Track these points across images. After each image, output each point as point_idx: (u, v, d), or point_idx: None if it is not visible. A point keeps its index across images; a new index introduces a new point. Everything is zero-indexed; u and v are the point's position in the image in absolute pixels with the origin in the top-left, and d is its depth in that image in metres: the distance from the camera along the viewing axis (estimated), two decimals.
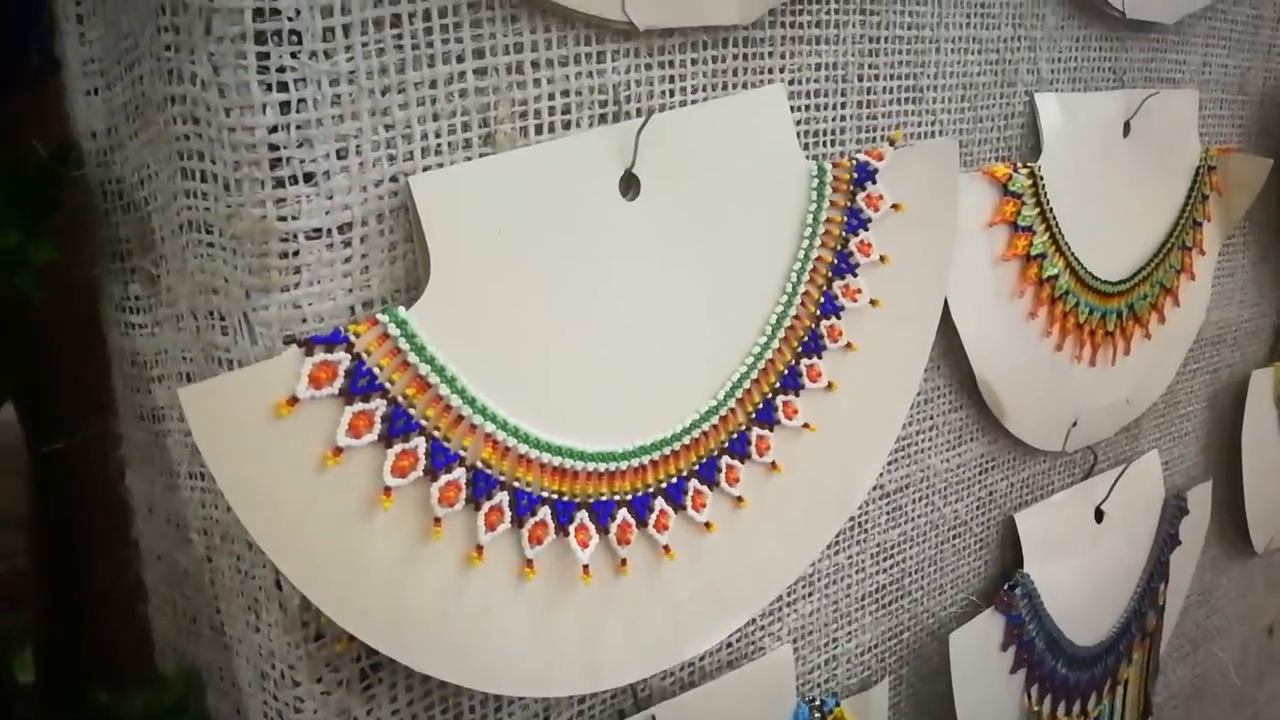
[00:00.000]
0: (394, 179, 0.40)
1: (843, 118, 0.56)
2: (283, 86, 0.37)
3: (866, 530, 0.64)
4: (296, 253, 0.38)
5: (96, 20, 0.44)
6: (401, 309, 0.39)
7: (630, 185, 0.46)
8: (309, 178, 0.38)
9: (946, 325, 0.62)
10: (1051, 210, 0.66)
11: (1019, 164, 0.65)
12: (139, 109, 0.42)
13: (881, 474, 0.62)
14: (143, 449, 0.51)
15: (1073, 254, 0.69)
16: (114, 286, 0.48)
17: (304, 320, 0.39)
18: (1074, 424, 0.74)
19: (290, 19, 0.36)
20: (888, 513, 0.65)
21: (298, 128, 0.37)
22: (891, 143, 0.56)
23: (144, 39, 0.40)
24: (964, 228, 0.61)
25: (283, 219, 0.38)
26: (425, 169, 0.41)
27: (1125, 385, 0.77)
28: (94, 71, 0.45)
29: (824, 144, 0.55)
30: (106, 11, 0.43)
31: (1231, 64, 0.82)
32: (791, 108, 0.53)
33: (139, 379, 0.49)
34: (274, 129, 0.37)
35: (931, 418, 0.66)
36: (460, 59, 0.41)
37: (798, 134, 0.53)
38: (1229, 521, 0.97)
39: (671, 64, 0.48)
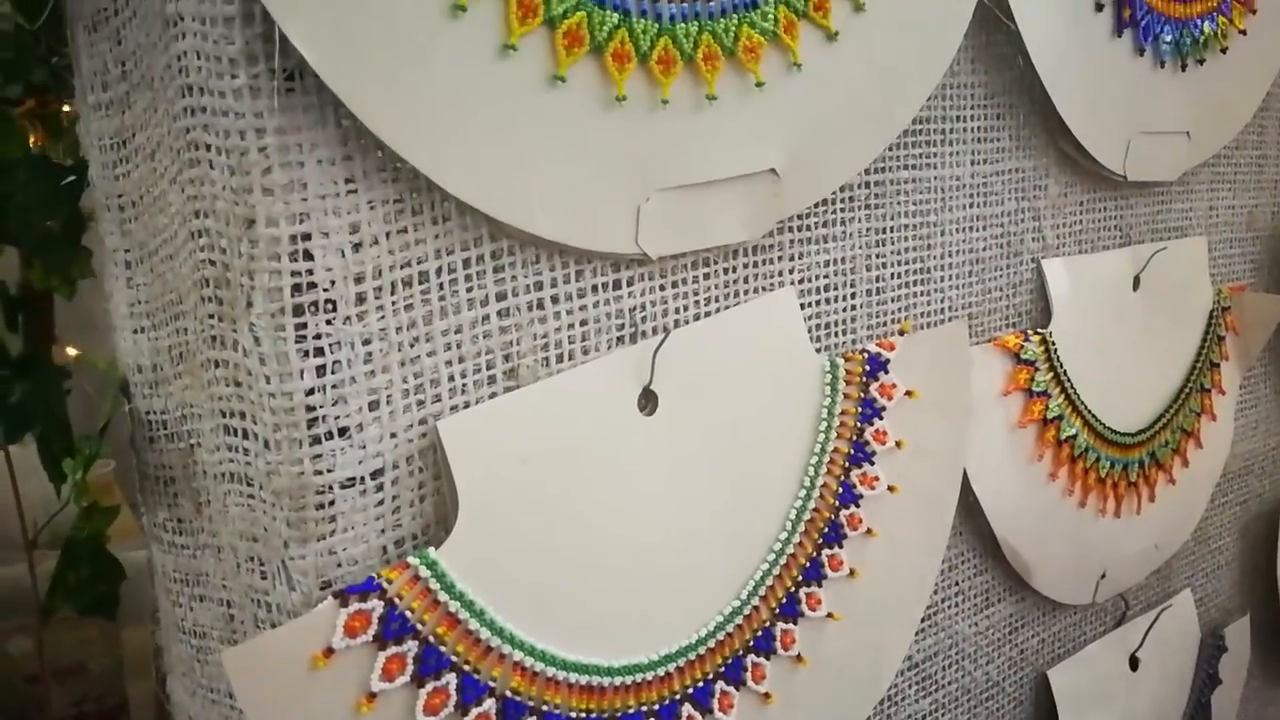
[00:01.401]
0: (423, 421, 0.42)
1: (853, 308, 0.58)
2: (319, 352, 0.39)
3: (897, 704, 0.64)
4: (332, 503, 0.40)
5: (144, 269, 0.47)
6: (432, 550, 0.41)
7: (649, 400, 0.48)
8: (343, 432, 0.40)
9: (966, 492, 0.63)
10: (1065, 372, 0.68)
11: (1030, 331, 0.66)
12: (183, 356, 0.45)
13: (909, 646, 0.63)
14: (184, 661, 0.52)
15: (1090, 412, 0.70)
16: (158, 508, 0.51)
17: (339, 565, 0.41)
18: (1102, 576, 0.74)
19: (325, 289, 0.39)
20: (918, 683, 0.65)
21: (333, 387, 0.40)
22: (902, 332, 0.57)
23: (188, 303, 0.42)
24: (979, 399, 0.63)
25: (319, 473, 0.40)
26: (452, 408, 0.43)
27: (1153, 532, 0.77)
28: (140, 314, 0.48)
29: (835, 335, 0.57)
30: (153, 264, 0.46)
31: (1238, 204, 0.84)
32: (802, 304, 0.55)
33: (180, 594, 0.51)
34: (311, 391, 0.39)
35: (957, 584, 0.67)
36: (484, 303, 0.44)
37: (809, 327, 0.55)
38: (1272, 650, 0.96)
39: (684, 281, 0.50)
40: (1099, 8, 0.63)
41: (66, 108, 0.76)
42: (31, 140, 0.75)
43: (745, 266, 0.52)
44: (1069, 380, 0.68)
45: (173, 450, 0.48)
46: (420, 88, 0.38)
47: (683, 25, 0.44)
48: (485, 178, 0.41)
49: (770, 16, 0.46)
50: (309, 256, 0.38)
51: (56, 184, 0.48)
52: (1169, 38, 0.67)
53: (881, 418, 0.55)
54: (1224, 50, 0.71)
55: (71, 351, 1.03)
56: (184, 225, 0.41)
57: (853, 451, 0.55)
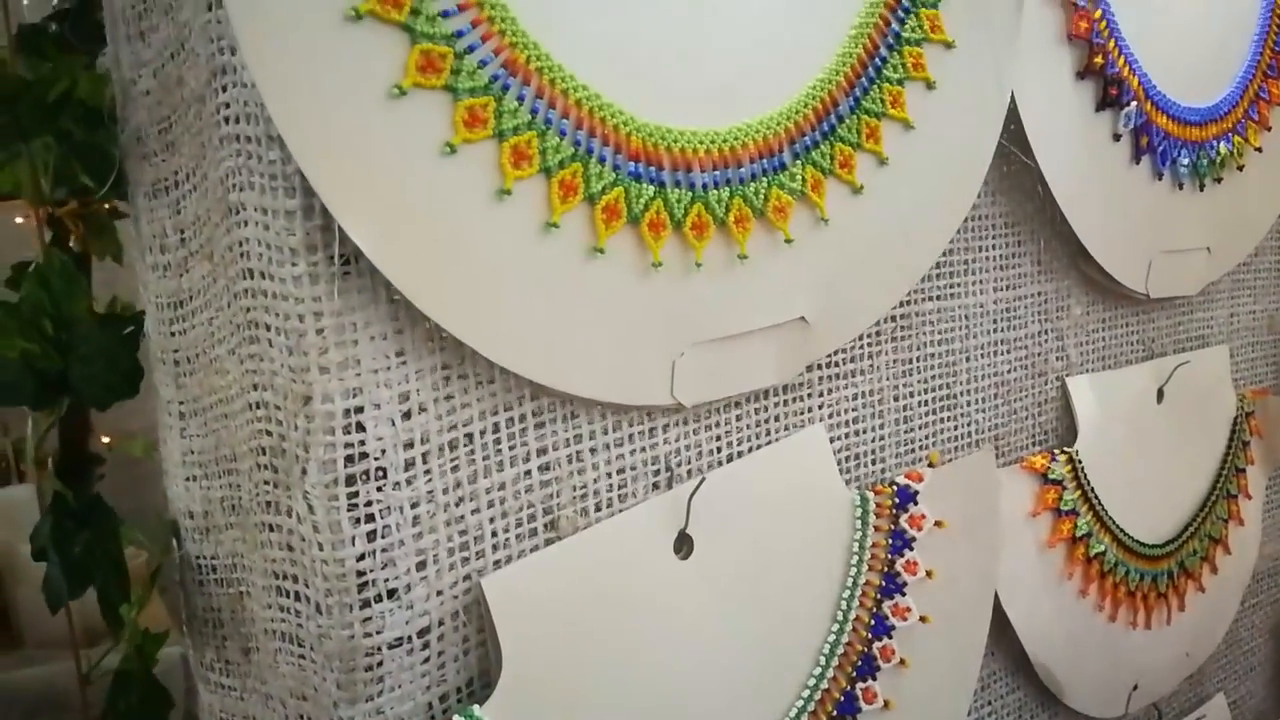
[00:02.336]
0: (467, 578, 0.44)
1: (881, 438, 0.59)
2: (369, 518, 0.41)
3: None
4: (380, 663, 0.41)
5: (198, 421, 0.49)
6: (476, 707, 0.42)
7: (684, 543, 0.49)
8: (392, 594, 0.41)
9: (997, 612, 0.63)
10: (1093, 489, 0.68)
11: (1056, 450, 0.67)
12: (234, 508, 0.47)
13: None
14: None
15: (1118, 526, 0.70)
16: (205, 648, 0.52)
17: None
18: (1135, 687, 0.74)
19: (376, 458, 0.41)
20: None
21: (383, 551, 0.41)
22: (930, 464, 0.58)
23: (242, 464, 0.44)
24: (1008, 520, 0.63)
25: (369, 635, 0.41)
26: (495, 563, 0.44)
27: (1184, 640, 0.77)
28: (193, 463, 0.50)
29: (865, 465, 0.58)
30: (207, 419, 0.47)
31: (1259, 309, 0.85)
32: (832, 437, 0.56)
33: None
34: (362, 556, 0.41)
35: (990, 702, 0.67)
36: (526, 459, 0.45)
37: (839, 459, 0.56)
38: None
39: (718, 424, 0.51)
40: (1116, 138, 0.65)
41: (107, 205, 0.79)
42: (71, 240, 0.78)
43: (776, 405, 0.54)
44: (1096, 497, 0.69)
45: (223, 595, 0.50)
46: (466, 267, 0.40)
47: (715, 192, 0.46)
48: (527, 346, 0.42)
49: (798, 177, 0.48)
50: (361, 428, 0.40)
51: (118, 337, 0.50)
52: (1186, 160, 0.69)
53: (912, 549, 0.56)
54: (1240, 168, 0.73)
55: (105, 439, 1.06)
56: (242, 395, 0.43)
57: (884, 583, 0.55)
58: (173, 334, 0.49)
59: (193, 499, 0.50)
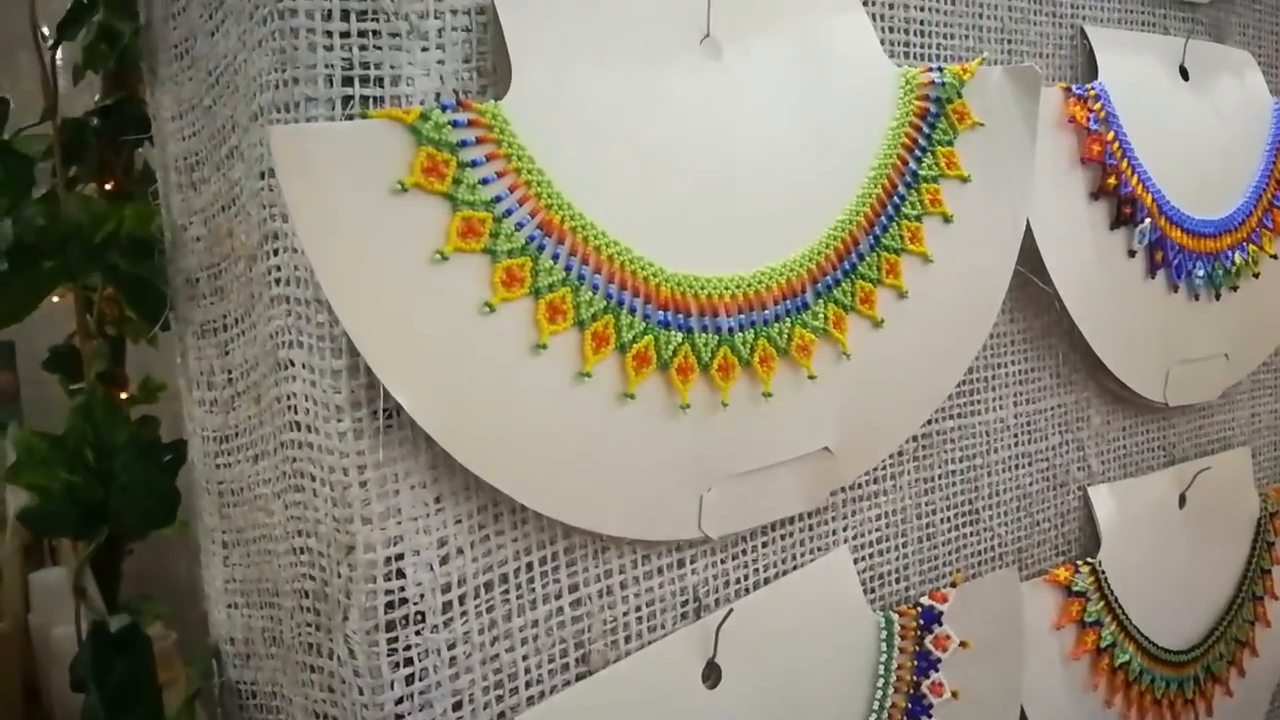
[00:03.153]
0: (501, 715, 0.45)
1: (905, 556, 0.60)
2: (408, 661, 0.42)
3: None
4: None
5: (240, 551, 0.50)
6: None
7: (712, 672, 0.50)
8: None
9: None
10: (1116, 599, 0.69)
11: (1080, 562, 0.68)
12: (275, 640, 0.48)
13: None
14: None
15: (1143, 635, 0.70)
16: None
17: None
18: None
19: (415, 603, 0.42)
20: None
21: (420, 694, 0.42)
22: (954, 584, 0.59)
23: (285, 603, 0.46)
24: (1032, 634, 0.64)
25: None
26: (529, 700, 0.45)
27: None
28: (235, 591, 0.51)
29: (889, 585, 0.59)
30: (250, 551, 0.49)
31: None
32: (856, 559, 0.57)
33: None
34: (400, 700, 0.42)
35: None
36: (558, 596, 0.46)
37: (863, 580, 0.57)
38: None
39: (744, 552, 0.52)
40: (1131, 254, 0.66)
41: None
42: (107, 323, 0.80)
43: (801, 530, 0.55)
44: (1120, 607, 0.69)
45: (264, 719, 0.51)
46: (503, 419, 0.42)
47: (740, 334, 0.47)
48: (561, 489, 0.44)
49: (820, 315, 0.50)
50: (401, 574, 0.41)
51: (158, 465, 0.52)
52: (1201, 272, 0.70)
53: (937, 669, 0.57)
54: (1256, 275, 0.74)
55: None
56: (286, 538, 0.44)
57: (910, 705, 0.56)
58: (218, 466, 0.51)
59: (234, 626, 0.52)
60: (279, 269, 0.41)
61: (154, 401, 0.75)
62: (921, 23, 0.58)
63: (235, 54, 0.43)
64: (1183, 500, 0.75)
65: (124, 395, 0.73)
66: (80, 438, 0.51)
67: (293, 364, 0.41)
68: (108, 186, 0.86)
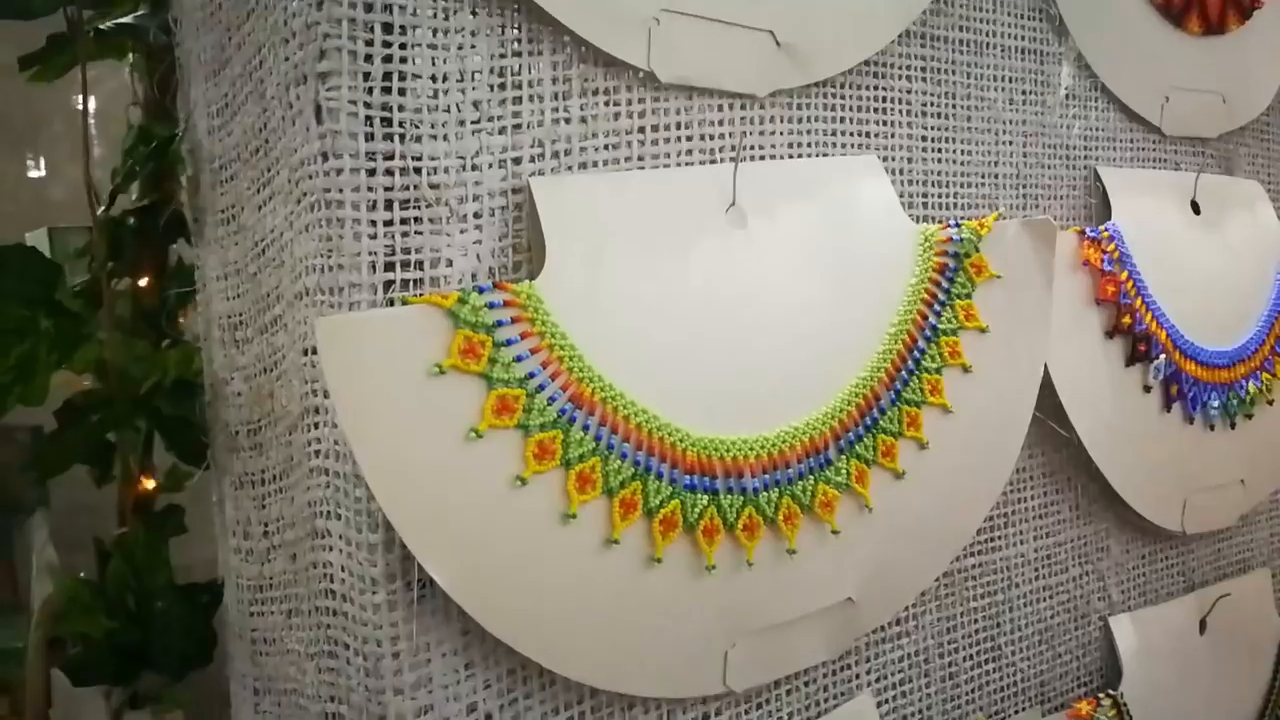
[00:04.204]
0: None
1: (928, 696, 0.60)
2: None
3: None
4: None
5: (270, 699, 0.51)
6: None
7: None
8: None
9: None
10: None
11: (1101, 695, 0.68)
12: None
13: None
14: None
15: None
16: None
17: None
18: None
19: None
20: None
21: None
22: None
23: None
24: None
25: None
26: None
27: None
28: None
29: None
30: (281, 701, 0.50)
31: None
32: (879, 702, 0.57)
33: None
34: None
35: None
36: None
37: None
38: None
39: (768, 701, 0.53)
40: (1147, 389, 0.67)
41: None
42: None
43: (824, 676, 0.55)
44: None
45: None
46: (533, 588, 0.43)
47: (765, 494, 0.48)
48: (589, 655, 0.45)
49: (843, 471, 0.51)
50: None
51: (196, 607, 0.53)
52: (1216, 403, 0.71)
53: None
54: (1270, 402, 0.75)
55: None
56: (318, 701, 0.45)
57: None
58: (252, 614, 0.52)
59: None
60: (319, 441, 0.43)
61: (180, 489, 0.75)
62: (939, 174, 0.60)
63: (282, 232, 0.45)
64: (1203, 626, 0.74)
65: (151, 484, 0.74)
66: (121, 582, 0.52)
67: (329, 534, 0.43)
68: (142, 282, 0.89)
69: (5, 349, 0.49)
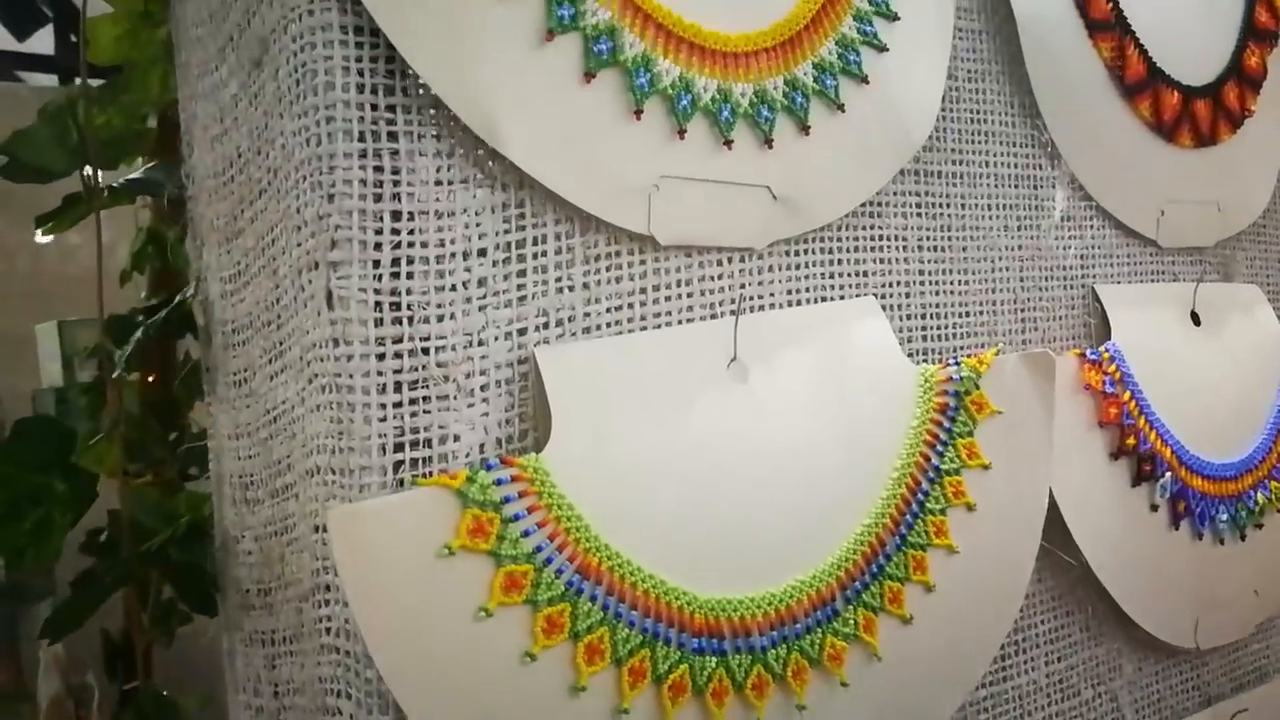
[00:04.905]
0: None
1: None
2: None
3: None
4: None
5: None
6: None
7: None
8: None
9: None
10: None
11: None
12: None
13: None
14: None
15: None
16: None
17: None
18: None
19: None
20: None
21: None
22: None
23: None
24: None
25: None
26: None
27: None
28: None
29: None
30: None
31: None
32: None
33: None
34: None
35: None
36: None
37: None
38: None
39: None
40: (1154, 508, 0.67)
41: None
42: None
43: None
44: None
45: None
46: None
47: (773, 650, 0.48)
48: None
49: (851, 621, 0.51)
50: None
51: None
52: (1225, 516, 0.71)
53: None
54: (1279, 511, 0.75)
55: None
56: None
57: None
58: None
59: None
60: (330, 619, 0.43)
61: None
62: (937, 306, 0.61)
63: (293, 405, 0.46)
64: None
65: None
66: None
67: (339, 712, 0.43)
68: (150, 379, 0.90)
69: (21, 514, 0.50)
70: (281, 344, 0.47)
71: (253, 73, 0.47)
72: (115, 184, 0.63)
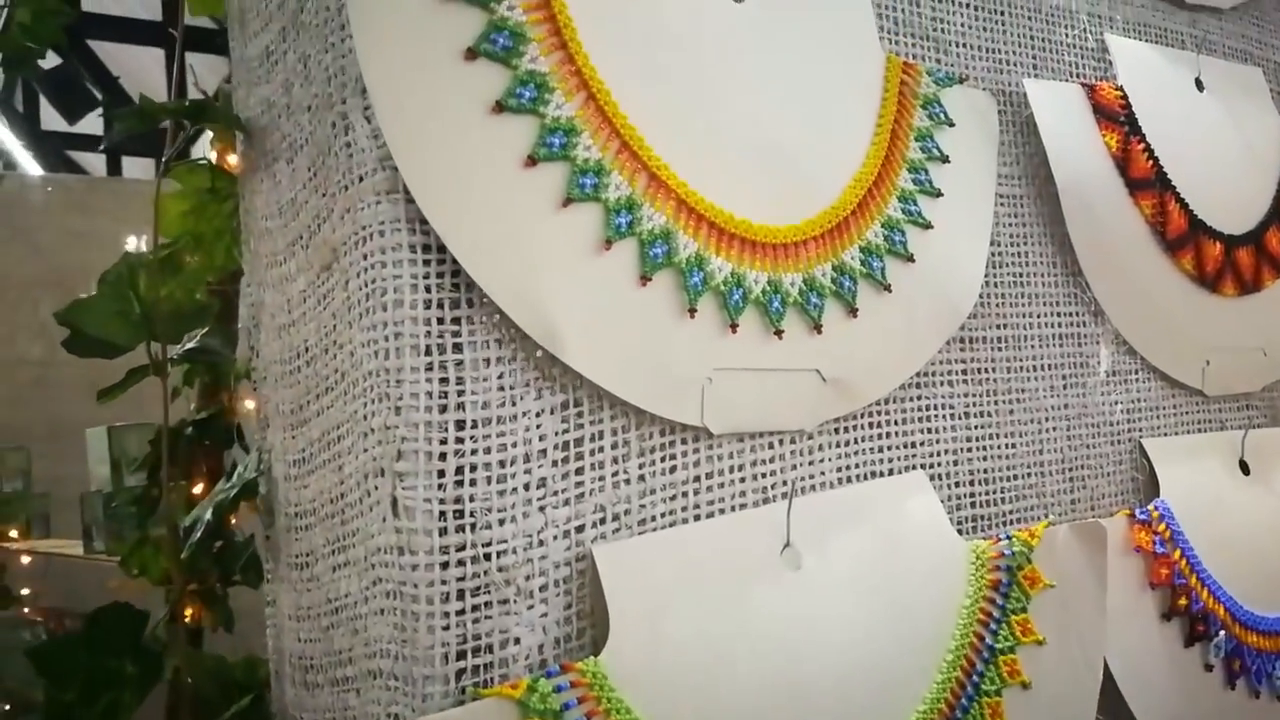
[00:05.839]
0: None
1: None
2: None
3: None
4: None
5: None
6: None
7: None
8: None
9: None
10: None
11: None
12: None
13: None
14: None
15: None
16: None
17: None
18: None
19: None
20: None
21: None
22: None
23: None
24: None
25: None
26: None
27: None
28: None
29: None
30: None
31: None
32: None
33: None
34: None
35: None
36: None
37: None
38: None
39: None
40: (1209, 668, 0.66)
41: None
42: (189, 614, 0.83)
43: None
44: None
45: None
46: None
47: None
48: None
49: None
50: None
51: None
52: None
53: None
54: None
55: None
56: None
57: None
58: None
59: None
60: None
61: None
62: (985, 472, 0.62)
63: (356, 602, 0.47)
64: None
65: None
66: None
67: None
68: (196, 490, 0.91)
69: (95, 698, 0.51)
70: (345, 539, 0.48)
71: (322, 274, 0.49)
72: (174, 355, 0.65)
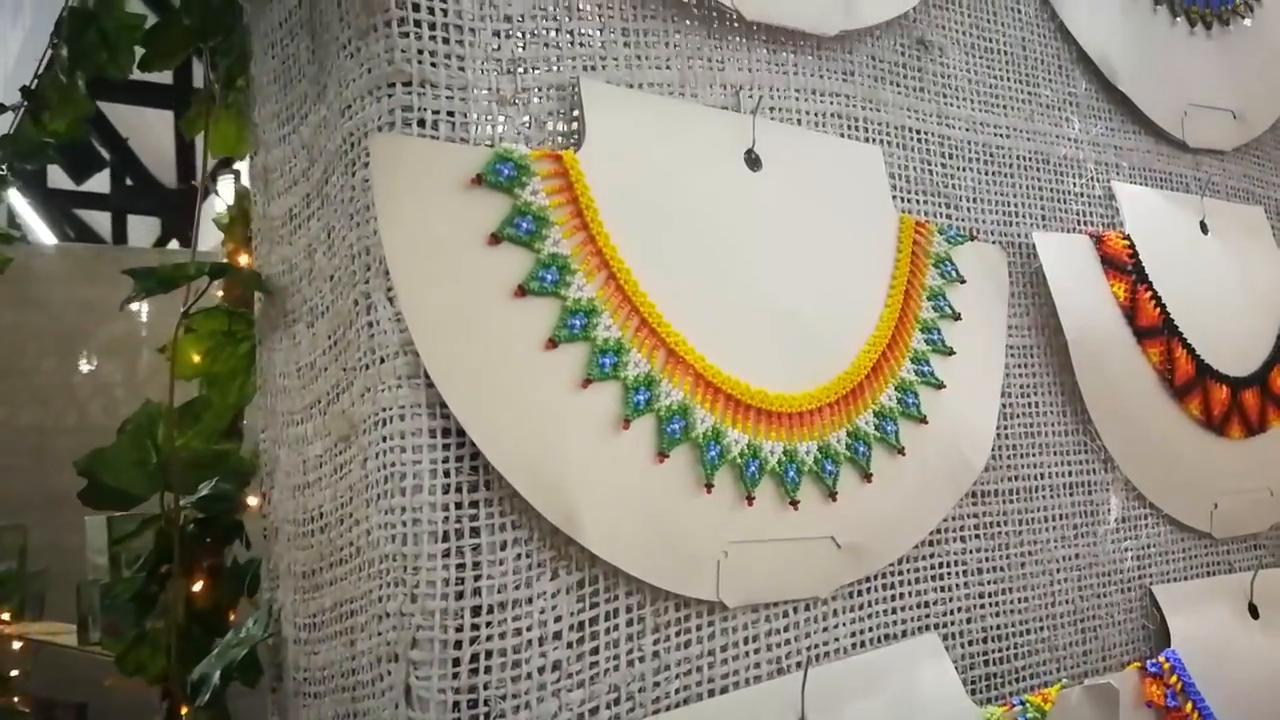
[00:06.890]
0: None
1: None
2: None
3: None
4: None
5: None
6: None
7: None
8: None
9: None
10: None
11: None
12: None
13: None
14: None
15: None
16: None
17: None
18: None
19: None
20: None
21: None
22: None
23: None
24: None
25: None
26: None
27: None
28: None
29: None
30: None
31: None
32: None
33: None
34: None
35: None
36: None
37: None
38: None
39: None
40: None
41: None
42: (184, 713, 0.81)
43: None
44: None
45: None
46: None
47: None
48: None
49: None
50: None
51: None
52: None
53: None
54: None
55: None
56: None
57: None
58: None
59: None
60: None
61: None
62: (998, 628, 0.61)
63: None
64: None
65: None
66: None
67: None
68: (196, 589, 0.90)
69: None
70: (357, 717, 0.47)
71: (339, 444, 0.49)
72: (185, 505, 0.65)
